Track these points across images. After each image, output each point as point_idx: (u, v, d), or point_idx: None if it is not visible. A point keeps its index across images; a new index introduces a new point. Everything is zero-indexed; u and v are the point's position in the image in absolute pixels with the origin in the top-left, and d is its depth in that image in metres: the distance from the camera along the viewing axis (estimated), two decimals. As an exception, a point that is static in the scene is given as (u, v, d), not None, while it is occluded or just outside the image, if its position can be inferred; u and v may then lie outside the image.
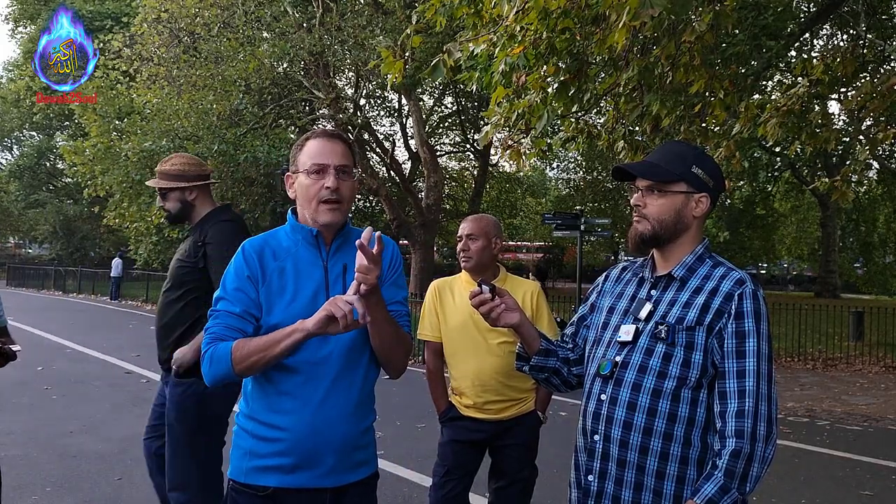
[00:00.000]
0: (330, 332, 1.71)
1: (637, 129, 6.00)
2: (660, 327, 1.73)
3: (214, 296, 1.90)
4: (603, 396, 1.77)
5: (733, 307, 1.69)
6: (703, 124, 6.09)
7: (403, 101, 21.68)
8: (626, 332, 1.78)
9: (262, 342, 1.75)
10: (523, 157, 5.85)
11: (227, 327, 1.82)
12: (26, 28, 33.11)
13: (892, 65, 13.17)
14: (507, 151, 5.81)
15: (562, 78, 5.07)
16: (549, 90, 5.07)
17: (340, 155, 1.90)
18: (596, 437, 1.77)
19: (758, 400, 1.63)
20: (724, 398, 1.66)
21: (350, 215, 2.00)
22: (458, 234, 3.11)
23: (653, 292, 1.81)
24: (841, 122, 11.70)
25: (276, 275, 1.87)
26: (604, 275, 2.01)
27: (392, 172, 23.12)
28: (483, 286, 1.81)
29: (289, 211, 1.99)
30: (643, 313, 1.78)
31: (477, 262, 3.07)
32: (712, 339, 1.69)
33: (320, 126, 20.44)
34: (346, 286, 1.90)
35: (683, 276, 1.77)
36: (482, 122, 21.00)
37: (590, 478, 1.77)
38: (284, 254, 1.90)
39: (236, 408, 1.99)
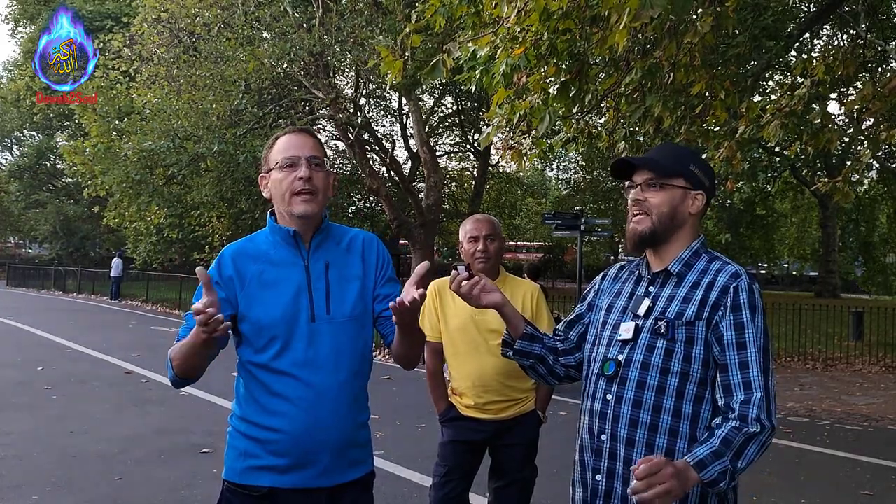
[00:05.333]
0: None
1: (638, 129, 6.00)
2: (659, 323, 1.74)
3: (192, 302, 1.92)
4: (609, 396, 1.77)
5: (729, 300, 1.70)
6: (704, 125, 6.10)
7: (403, 101, 21.69)
8: (627, 330, 1.78)
9: (179, 344, 1.76)
10: (524, 158, 5.85)
11: (188, 328, 1.81)
12: (26, 28, 33.09)
13: (892, 65, 13.18)
14: (508, 152, 5.81)
15: (563, 78, 5.07)
16: (551, 91, 5.06)
17: (311, 147, 1.91)
18: (603, 437, 1.77)
19: (760, 391, 1.64)
20: (729, 391, 1.67)
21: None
22: (470, 235, 3.03)
23: (651, 289, 1.82)
24: (841, 122, 11.72)
25: (256, 277, 1.87)
26: (601, 274, 2.02)
27: (392, 172, 23.11)
28: (459, 267, 1.85)
29: (268, 214, 1.99)
30: (642, 310, 1.79)
31: (495, 263, 3.05)
32: (711, 333, 1.70)
33: (320, 126, 20.45)
34: (328, 284, 1.89)
35: (680, 271, 1.79)
36: (482, 123, 20.99)
37: (598, 477, 1.78)
38: (263, 256, 1.90)
39: (231, 407, 1.99)
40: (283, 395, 1.83)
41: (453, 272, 1.84)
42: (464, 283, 1.84)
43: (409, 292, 1.72)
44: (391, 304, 1.72)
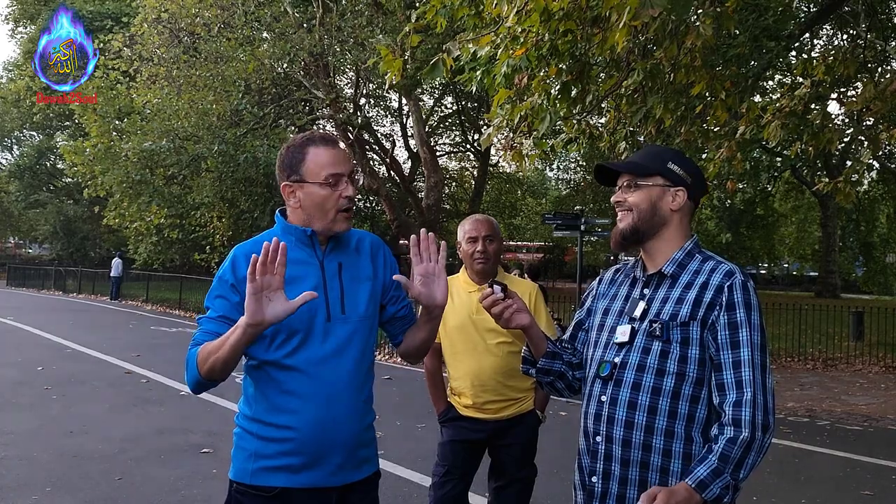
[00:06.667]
0: (269, 318, 1.66)
1: (639, 129, 6.01)
2: (654, 325, 1.74)
3: (204, 305, 1.90)
4: (603, 398, 1.78)
5: (724, 299, 1.70)
6: (704, 125, 6.10)
7: (403, 101, 21.70)
8: (623, 333, 1.79)
9: (215, 344, 1.73)
10: (525, 159, 5.85)
11: (205, 332, 1.81)
12: (26, 28, 33.13)
13: (893, 65, 13.18)
14: (510, 153, 5.80)
15: (564, 79, 5.07)
16: (552, 91, 5.07)
17: (349, 162, 1.93)
18: (598, 439, 1.77)
19: (754, 390, 1.63)
20: (722, 390, 1.67)
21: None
22: (469, 236, 3.04)
23: (645, 291, 1.82)
24: (840, 122, 11.75)
25: None
26: (598, 278, 2.03)
27: (392, 172, 23.13)
28: (495, 286, 1.83)
29: (276, 213, 1.97)
30: (637, 312, 1.79)
31: (494, 264, 3.06)
32: (707, 333, 1.70)
33: (319, 126, 20.43)
34: (342, 283, 1.91)
35: (674, 272, 1.79)
36: (482, 123, 21.00)
37: (593, 479, 1.78)
38: None
39: (236, 408, 1.98)
40: (297, 392, 1.83)
41: (487, 289, 1.83)
42: (497, 302, 1.83)
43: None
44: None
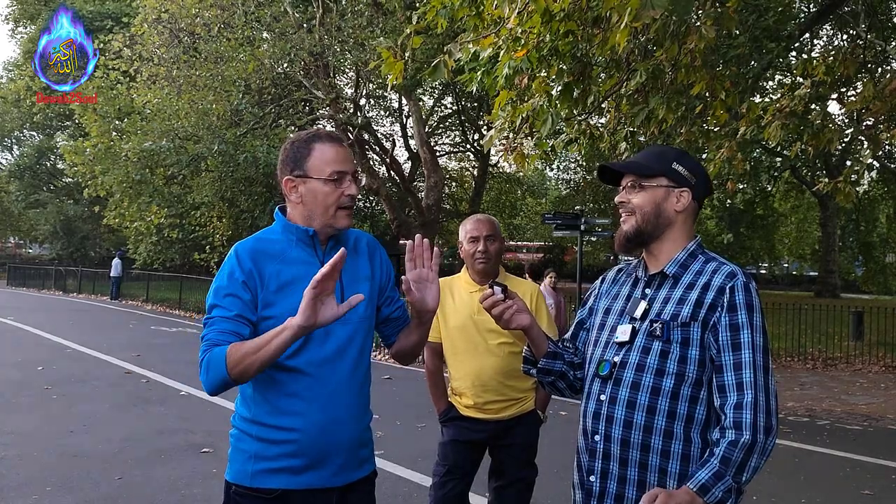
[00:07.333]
0: (319, 322, 1.66)
1: (640, 130, 6.01)
2: (655, 325, 1.73)
3: (208, 304, 1.86)
4: (602, 396, 1.77)
5: (725, 300, 1.69)
6: (704, 125, 6.10)
7: (403, 101, 21.71)
8: (623, 332, 1.79)
9: (255, 343, 1.70)
10: (527, 160, 5.86)
11: (222, 332, 1.77)
12: (26, 28, 33.12)
13: (893, 65, 13.18)
14: (512, 154, 5.81)
15: (565, 80, 5.08)
16: (553, 93, 5.07)
17: (352, 160, 1.94)
18: (597, 438, 1.77)
19: (756, 391, 1.62)
20: (723, 392, 1.66)
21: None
22: (470, 236, 3.04)
23: (647, 291, 1.82)
24: (840, 122, 11.78)
25: (275, 277, 1.86)
26: (600, 278, 2.03)
27: (392, 172, 23.14)
28: (495, 287, 1.83)
29: (276, 210, 1.97)
30: (638, 312, 1.79)
31: (495, 263, 3.06)
32: (708, 334, 1.70)
33: (320, 126, 20.44)
34: (342, 284, 1.91)
35: (676, 272, 1.78)
36: (482, 123, 21.01)
37: (591, 478, 1.78)
38: (279, 255, 1.89)
39: (233, 407, 1.98)
40: (299, 394, 1.82)
41: (488, 290, 1.83)
42: (498, 304, 1.83)
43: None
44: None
